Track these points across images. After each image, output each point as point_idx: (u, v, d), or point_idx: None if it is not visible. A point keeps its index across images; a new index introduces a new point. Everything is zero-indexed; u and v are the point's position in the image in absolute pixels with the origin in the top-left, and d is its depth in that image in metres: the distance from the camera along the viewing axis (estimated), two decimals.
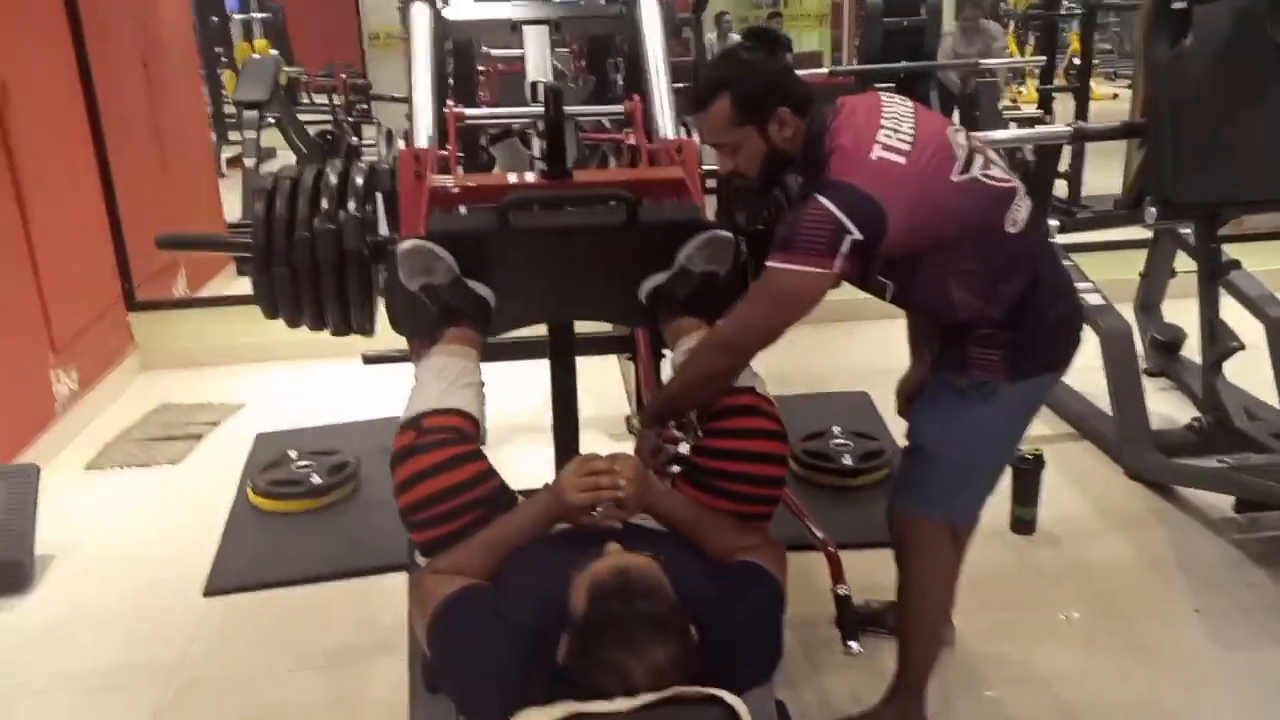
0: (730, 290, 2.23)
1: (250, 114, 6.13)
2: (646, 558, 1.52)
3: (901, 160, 1.77)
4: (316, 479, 3.22)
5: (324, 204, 2.36)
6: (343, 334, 2.56)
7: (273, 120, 6.72)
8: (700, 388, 1.93)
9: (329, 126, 8.77)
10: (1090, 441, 3.50)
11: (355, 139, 8.01)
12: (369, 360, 3.57)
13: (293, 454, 3.37)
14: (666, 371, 2.31)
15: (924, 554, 2.10)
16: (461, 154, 2.79)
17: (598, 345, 3.26)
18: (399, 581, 2.81)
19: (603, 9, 3.22)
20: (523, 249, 2.13)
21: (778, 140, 1.87)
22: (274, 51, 9.39)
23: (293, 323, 2.52)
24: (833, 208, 1.73)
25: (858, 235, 1.72)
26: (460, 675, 1.63)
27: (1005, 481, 2.84)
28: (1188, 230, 3.50)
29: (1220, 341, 3.26)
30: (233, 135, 8.04)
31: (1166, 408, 3.66)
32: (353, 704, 2.37)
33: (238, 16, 9.45)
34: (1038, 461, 2.91)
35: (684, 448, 1.99)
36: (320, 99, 9.84)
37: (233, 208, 5.98)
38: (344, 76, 9.33)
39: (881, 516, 2.16)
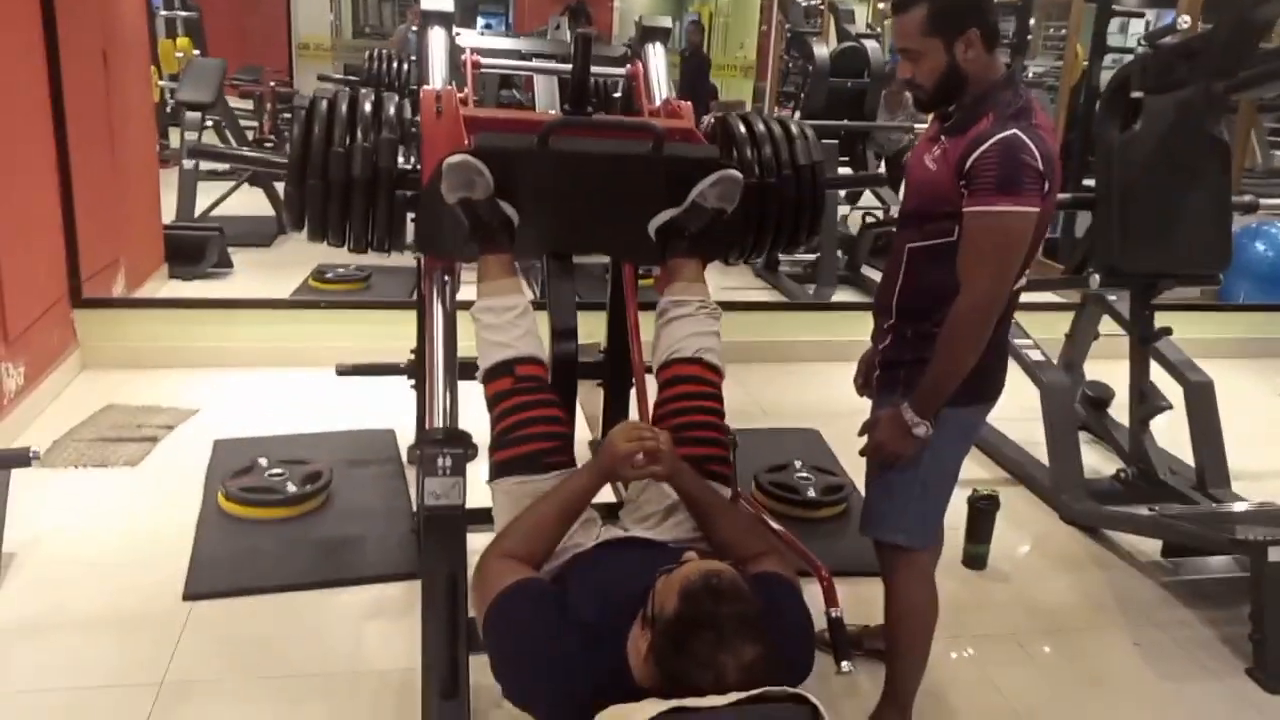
0: (731, 229, 2.45)
1: (192, 115, 6.00)
2: (725, 564, 1.63)
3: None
4: (291, 487, 3.21)
5: (359, 127, 2.47)
6: (362, 251, 2.62)
7: (211, 123, 6.60)
8: (968, 358, 2.01)
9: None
10: (1025, 487, 3.76)
11: None
12: (342, 372, 3.59)
13: (263, 461, 3.34)
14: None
15: (906, 577, 2.27)
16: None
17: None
18: (381, 592, 2.85)
19: (607, 49, 3.36)
20: (555, 173, 2.29)
21: (961, 59, 1.97)
22: (196, 51, 9.23)
23: (316, 235, 2.57)
24: (1040, 160, 1.89)
25: (1046, 186, 1.92)
26: (518, 664, 1.71)
27: (954, 516, 3.08)
28: (1114, 297, 3.82)
29: (1149, 401, 3.57)
30: None
31: (1091, 459, 3.95)
32: (355, 713, 2.38)
33: (163, 13, 9.21)
34: (993, 502, 3.13)
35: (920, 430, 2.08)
36: (239, 103, 9.68)
37: (167, 207, 5.86)
38: (272, 84, 9.23)
39: (842, 547, 2.33)
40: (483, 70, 3.06)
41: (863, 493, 2.44)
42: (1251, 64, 3.07)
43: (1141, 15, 6.52)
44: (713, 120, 2.84)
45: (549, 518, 1.92)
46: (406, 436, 3.70)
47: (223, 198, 6.53)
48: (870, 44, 5.92)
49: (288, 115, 9.55)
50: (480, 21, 15.38)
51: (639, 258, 2.74)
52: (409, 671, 2.44)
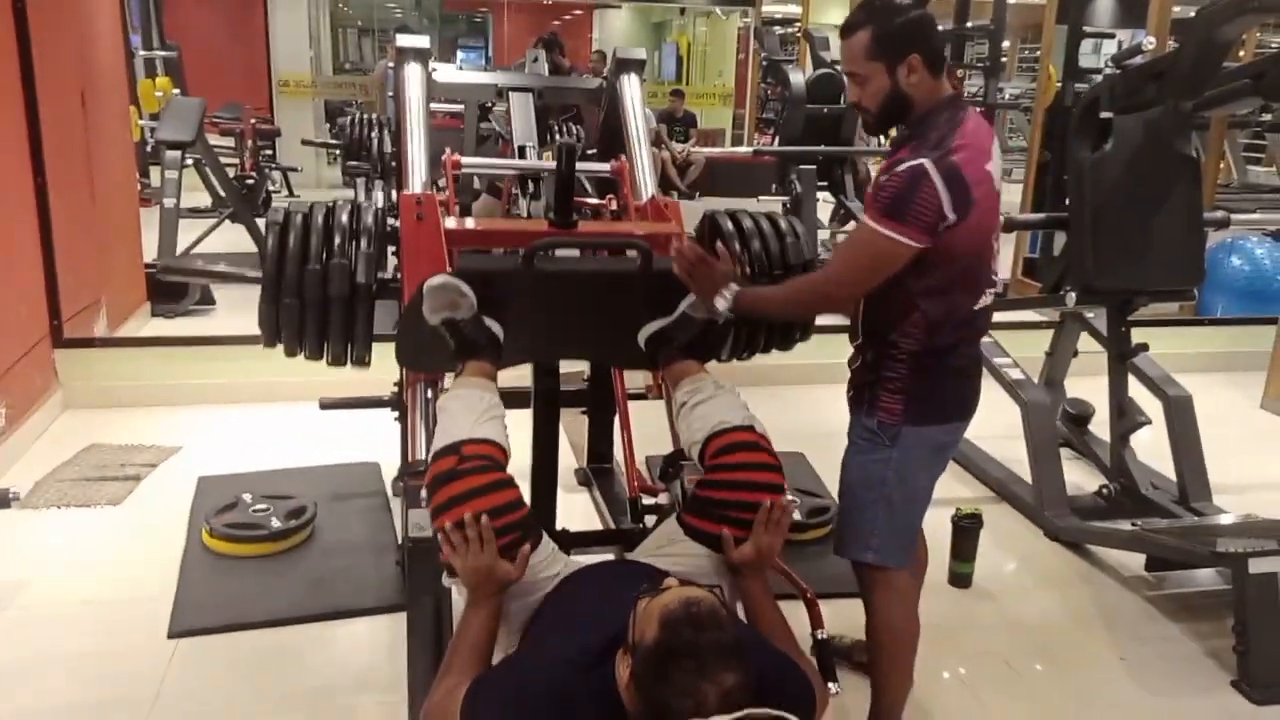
0: (722, 337, 2.40)
1: (172, 154, 6.02)
2: (706, 590, 1.63)
3: (996, 188, 2.02)
4: (276, 523, 3.20)
5: (336, 240, 2.43)
6: (339, 365, 2.60)
7: (191, 161, 6.62)
8: (787, 312, 2.15)
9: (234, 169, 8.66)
10: (1009, 504, 3.78)
11: (271, 185, 7.95)
12: (326, 406, 3.58)
13: (247, 498, 3.33)
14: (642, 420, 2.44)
15: (883, 597, 2.28)
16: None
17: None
18: (367, 626, 2.84)
19: (583, 81, 3.39)
20: (540, 291, 2.25)
21: (903, 83, 2.01)
22: (176, 90, 9.27)
23: (290, 352, 2.55)
24: (944, 193, 1.91)
25: (950, 222, 1.94)
26: None
27: (938, 535, 3.09)
28: (1092, 314, 3.86)
29: (1128, 416, 3.60)
30: None
31: (1073, 476, 3.97)
32: None
33: (142, 54, 9.25)
34: (976, 520, 3.15)
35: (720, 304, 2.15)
36: (219, 141, 9.69)
37: (149, 245, 5.86)
38: (253, 121, 9.26)
39: (828, 568, 2.35)
40: (463, 171, 3.01)
41: None
42: (1217, 82, 3.13)
43: (1113, 36, 6.62)
44: (702, 218, 2.84)
45: (472, 657, 1.80)
46: (391, 469, 3.69)
47: (204, 235, 6.54)
48: None
49: (269, 152, 9.60)
50: (459, 55, 15.53)
51: (629, 365, 2.72)
52: (396, 705, 2.43)
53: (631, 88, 3.09)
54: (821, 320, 6.18)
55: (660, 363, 2.32)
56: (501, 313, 2.21)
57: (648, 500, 2.82)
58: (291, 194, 9.63)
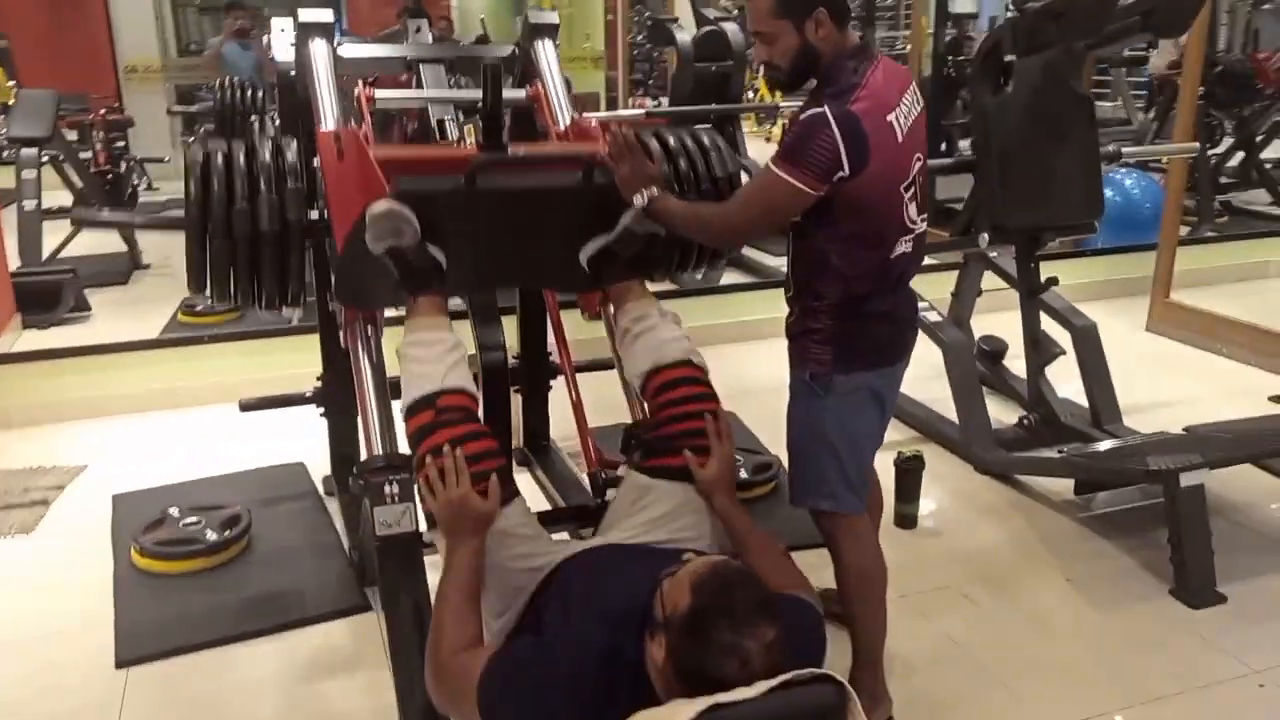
0: (669, 249, 2.44)
1: (28, 152, 5.60)
2: (726, 558, 1.63)
3: (899, 139, 2.03)
4: (211, 535, 3.04)
5: (261, 179, 2.36)
6: (273, 308, 2.51)
7: (47, 158, 6.18)
8: (688, 229, 2.23)
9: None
10: (936, 443, 3.90)
11: (138, 179, 7.50)
12: (246, 407, 3.42)
13: (174, 511, 3.15)
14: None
15: (847, 542, 2.33)
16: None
17: None
18: (324, 632, 2.74)
19: (497, 49, 3.29)
20: (484, 211, 2.22)
21: (812, 39, 2.03)
22: (11, 82, 8.66)
23: (223, 298, 2.45)
24: (841, 142, 1.93)
25: (845, 173, 1.96)
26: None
27: (886, 480, 3.16)
28: (995, 254, 3.99)
29: (1043, 349, 3.75)
30: None
31: (991, 410, 4.11)
32: None
33: None
34: (918, 461, 3.24)
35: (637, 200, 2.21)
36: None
37: (10, 251, 5.45)
38: (103, 111, 8.69)
39: (778, 523, 2.42)
40: (376, 106, 2.89)
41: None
42: (1111, 21, 3.25)
43: None
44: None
45: (463, 600, 1.85)
46: (316, 468, 3.56)
47: (70, 237, 6.12)
48: (730, 26, 5.99)
49: (122, 144, 9.02)
50: None
51: (573, 287, 2.68)
52: (374, 711, 2.37)
53: (547, 53, 3.01)
54: (726, 278, 6.19)
55: (606, 280, 2.35)
56: (443, 239, 2.17)
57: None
58: (151, 188, 9.11)
